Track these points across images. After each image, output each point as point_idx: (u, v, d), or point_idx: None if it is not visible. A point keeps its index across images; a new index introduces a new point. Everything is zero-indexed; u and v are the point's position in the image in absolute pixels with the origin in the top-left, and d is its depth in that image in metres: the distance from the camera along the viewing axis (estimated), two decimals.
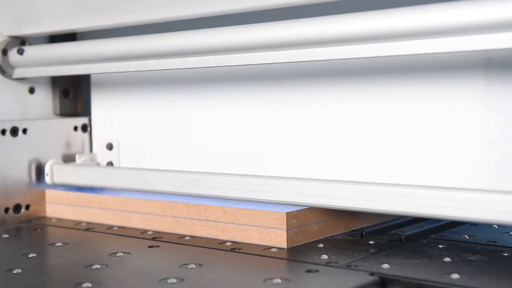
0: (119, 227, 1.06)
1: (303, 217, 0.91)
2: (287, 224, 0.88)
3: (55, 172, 1.18)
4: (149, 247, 0.91)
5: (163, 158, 1.17)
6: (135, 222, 1.05)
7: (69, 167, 1.18)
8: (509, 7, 0.70)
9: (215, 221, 0.95)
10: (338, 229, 0.96)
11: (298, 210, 0.90)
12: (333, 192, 0.88)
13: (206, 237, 0.95)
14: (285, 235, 0.88)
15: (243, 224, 0.92)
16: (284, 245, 0.88)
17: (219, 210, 0.95)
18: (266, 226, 0.90)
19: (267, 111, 1.05)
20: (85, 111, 1.30)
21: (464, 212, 0.77)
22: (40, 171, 1.19)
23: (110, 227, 1.06)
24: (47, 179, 1.18)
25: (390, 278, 0.72)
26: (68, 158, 1.23)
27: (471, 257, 0.80)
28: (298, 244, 0.89)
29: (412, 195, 0.81)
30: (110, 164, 1.23)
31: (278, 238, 0.89)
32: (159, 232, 1.00)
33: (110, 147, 1.23)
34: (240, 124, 1.08)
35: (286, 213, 0.88)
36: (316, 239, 0.92)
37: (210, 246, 0.91)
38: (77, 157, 1.21)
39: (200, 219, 0.97)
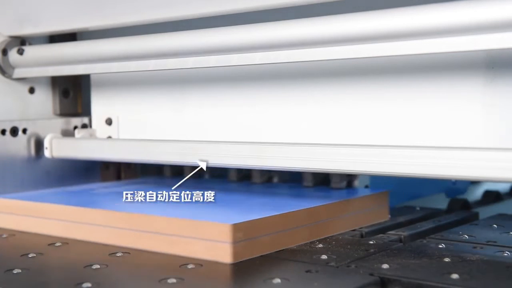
0: (62, 238, 0.95)
1: (252, 229, 0.82)
2: (232, 237, 0.79)
3: (54, 145, 1.17)
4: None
5: None
6: (77, 233, 0.94)
7: (68, 140, 1.18)
8: (509, 7, 0.70)
9: (158, 233, 0.86)
10: (300, 239, 0.88)
11: (247, 221, 0.82)
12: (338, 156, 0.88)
13: (150, 250, 0.86)
14: (230, 249, 0.79)
15: (187, 237, 0.83)
16: (228, 260, 0.79)
17: (162, 221, 0.86)
18: (211, 238, 0.80)
19: (267, 111, 1.05)
20: (85, 111, 1.30)
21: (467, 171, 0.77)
22: (39, 145, 1.19)
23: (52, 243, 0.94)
24: (47, 153, 1.17)
25: (390, 278, 0.72)
26: (67, 134, 1.23)
27: (471, 257, 0.80)
28: (246, 258, 0.80)
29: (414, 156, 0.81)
30: None
31: (223, 252, 0.79)
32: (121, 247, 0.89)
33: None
34: (240, 124, 1.08)
35: (232, 224, 0.79)
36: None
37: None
38: (76, 132, 1.21)
39: (143, 231, 0.87)
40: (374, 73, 0.94)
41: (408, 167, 0.81)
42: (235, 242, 0.79)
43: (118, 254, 0.85)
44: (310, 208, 0.91)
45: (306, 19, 0.86)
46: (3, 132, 1.15)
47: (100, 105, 1.26)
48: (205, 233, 0.81)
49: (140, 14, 1.03)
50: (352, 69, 0.96)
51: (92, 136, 1.23)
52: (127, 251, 0.86)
